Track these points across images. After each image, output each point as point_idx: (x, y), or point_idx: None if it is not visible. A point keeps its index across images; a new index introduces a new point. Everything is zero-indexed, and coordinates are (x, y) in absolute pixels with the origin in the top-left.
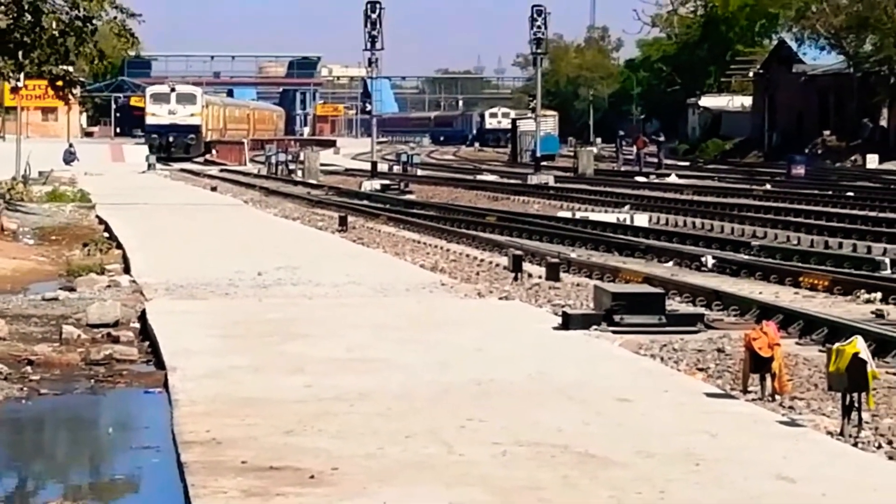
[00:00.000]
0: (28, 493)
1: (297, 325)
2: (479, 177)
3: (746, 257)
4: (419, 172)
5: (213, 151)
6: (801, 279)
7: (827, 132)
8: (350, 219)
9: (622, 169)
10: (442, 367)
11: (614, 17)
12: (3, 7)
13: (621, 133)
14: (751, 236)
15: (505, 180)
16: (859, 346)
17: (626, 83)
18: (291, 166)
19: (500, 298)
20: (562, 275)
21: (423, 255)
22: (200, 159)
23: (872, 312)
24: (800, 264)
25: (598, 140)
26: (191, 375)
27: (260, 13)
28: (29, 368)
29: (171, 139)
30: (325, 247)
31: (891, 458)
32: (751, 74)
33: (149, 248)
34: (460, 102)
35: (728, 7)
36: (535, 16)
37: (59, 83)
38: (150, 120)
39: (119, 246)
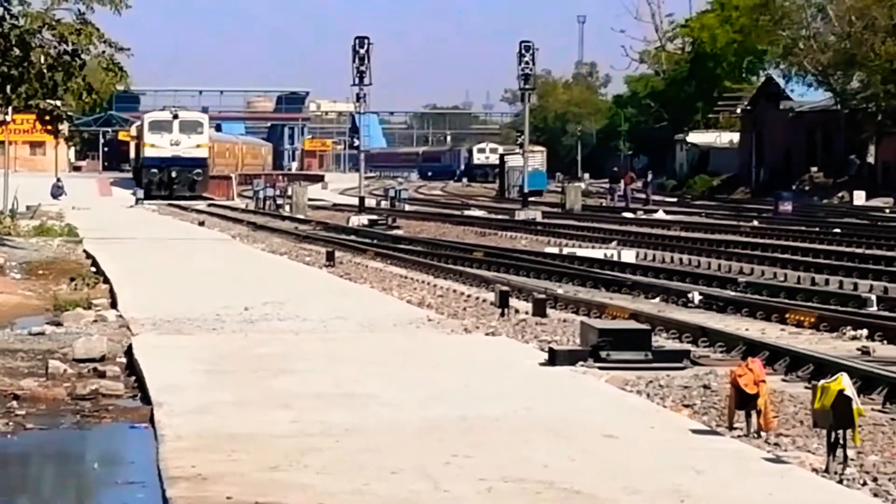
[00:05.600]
0: None
1: (284, 360)
2: (466, 212)
3: (733, 293)
4: (407, 208)
5: None
6: (787, 316)
7: (814, 169)
8: (337, 254)
9: (614, 205)
10: (428, 403)
11: (602, 53)
12: None
13: (615, 169)
14: (738, 272)
15: (492, 216)
16: (845, 383)
17: (614, 119)
18: (279, 201)
19: (487, 334)
20: (548, 311)
21: (411, 290)
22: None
23: (858, 349)
24: (786, 301)
25: (587, 176)
26: (177, 410)
27: (248, 48)
28: (15, 403)
29: (173, 174)
30: (313, 282)
31: (875, 495)
32: (738, 111)
33: (136, 283)
34: (448, 138)
35: (716, 43)
36: (523, 51)
37: (48, 118)
38: (148, 152)
39: (106, 280)
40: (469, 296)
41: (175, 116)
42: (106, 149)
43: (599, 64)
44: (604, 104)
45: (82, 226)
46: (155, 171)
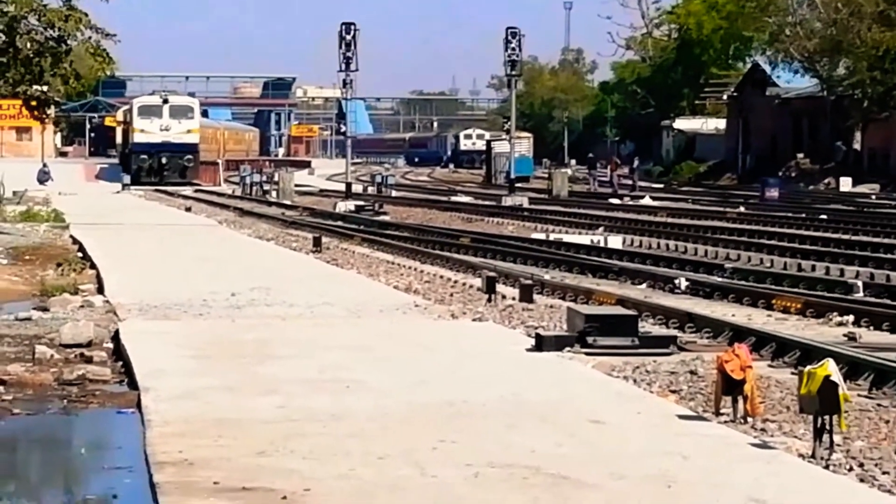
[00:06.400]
0: None
1: (271, 345)
2: (453, 198)
3: (720, 280)
4: (393, 193)
5: None
6: (773, 302)
7: (800, 155)
8: (324, 240)
9: (596, 191)
10: (415, 389)
11: (589, 40)
12: None
13: (590, 156)
14: (724, 259)
15: (479, 202)
16: (831, 368)
17: (601, 105)
18: (266, 187)
19: (474, 320)
20: (535, 296)
21: (397, 276)
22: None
23: (845, 335)
24: (773, 287)
25: (573, 162)
26: (164, 396)
27: (235, 34)
28: (1, 388)
29: (163, 160)
30: (300, 268)
31: (861, 480)
32: (725, 97)
33: (122, 269)
34: (435, 124)
35: (702, 30)
36: (509, 38)
37: (34, 103)
38: (137, 137)
39: (93, 266)
40: (456, 281)
41: (165, 101)
42: (92, 134)
43: (586, 50)
44: (590, 90)
45: (69, 211)
46: (144, 156)
